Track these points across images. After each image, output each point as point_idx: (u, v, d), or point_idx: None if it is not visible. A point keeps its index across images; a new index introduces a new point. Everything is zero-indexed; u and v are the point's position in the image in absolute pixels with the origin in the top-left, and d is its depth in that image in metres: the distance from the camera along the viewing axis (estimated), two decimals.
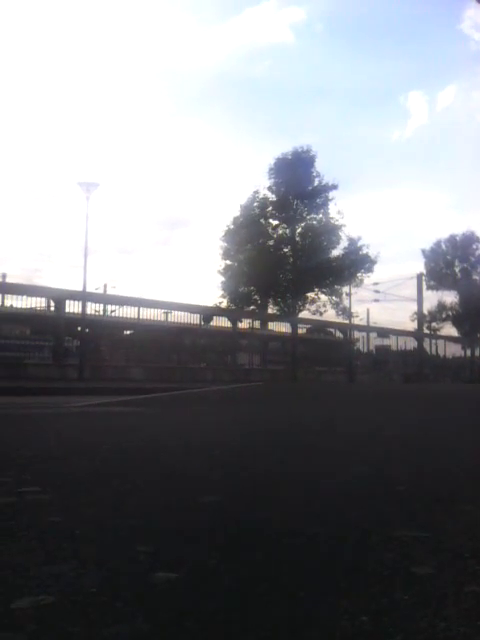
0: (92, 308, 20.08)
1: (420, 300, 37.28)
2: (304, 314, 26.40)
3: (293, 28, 55.76)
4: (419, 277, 36.61)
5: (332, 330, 31.18)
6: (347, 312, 27.46)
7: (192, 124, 60.31)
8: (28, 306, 18.68)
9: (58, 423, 4.11)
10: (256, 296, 25.30)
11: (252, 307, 25.56)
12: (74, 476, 1.89)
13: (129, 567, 1.03)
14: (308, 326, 29.67)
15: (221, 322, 25.66)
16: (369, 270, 26.54)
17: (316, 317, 27.13)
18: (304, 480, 1.90)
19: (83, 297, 17.34)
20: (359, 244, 26.11)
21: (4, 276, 24.42)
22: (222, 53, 56.08)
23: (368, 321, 32.18)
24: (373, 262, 26.16)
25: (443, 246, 39.35)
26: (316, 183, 25.92)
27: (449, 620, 0.81)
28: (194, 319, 24.83)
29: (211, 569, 1.03)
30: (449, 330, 39.31)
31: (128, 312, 22.29)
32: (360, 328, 31.78)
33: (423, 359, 35.35)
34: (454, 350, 38.31)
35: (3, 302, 19.75)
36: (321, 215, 26.29)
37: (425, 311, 38.34)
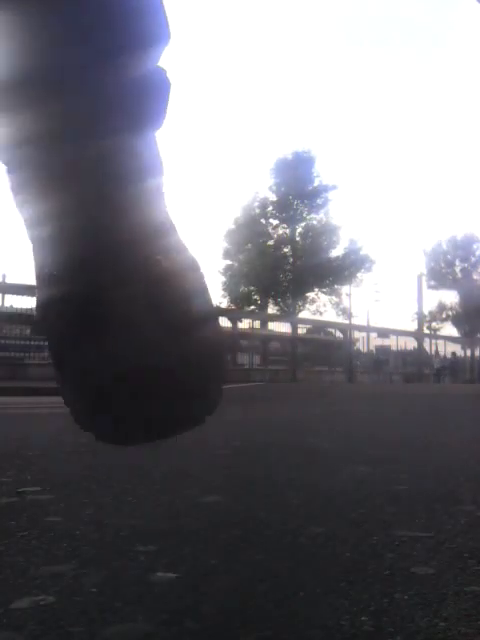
0: None
1: (420, 300, 37.30)
2: (304, 314, 26.37)
3: None
4: (419, 277, 36.62)
5: (332, 330, 31.18)
6: (347, 312, 27.46)
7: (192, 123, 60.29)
8: (28, 306, 18.67)
9: (58, 423, 4.11)
10: (256, 296, 25.31)
11: (252, 307, 25.54)
12: (74, 476, 1.89)
13: (129, 567, 1.03)
14: (308, 326, 29.67)
15: (221, 322, 25.66)
16: (369, 270, 26.54)
17: (316, 317, 27.14)
18: (304, 480, 1.90)
19: None
20: (359, 244, 26.10)
21: (4, 276, 24.40)
22: None
23: (368, 321, 32.18)
24: (373, 262, 26.16)
25: (444, 246, 39.35)
26: (316, 183, 25.90)
27: (449, 620, 0.81)
28: None
29: (211, 569, 1.03)
30: (449, 330, 39.31)
31: None
32: (360, 328, 31.79)
33: (423, 359, 35.33)
34: (454, 350, 38.33)
35: (3, 302, 19.75)
36: (321, 215, 26.26)
37: (425, 311, 38.35)
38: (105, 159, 0.66)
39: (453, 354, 33.98)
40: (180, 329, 0.67)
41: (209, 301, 0.75)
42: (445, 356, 34.12)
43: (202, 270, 0.75)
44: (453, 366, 32.60)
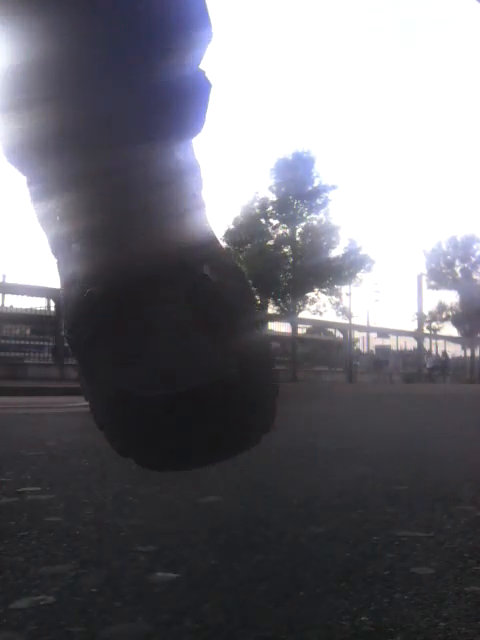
0: None
1: (420, 300, 37.30)
2: (304, 314, 26.36)
3: None
4: (419, 277, 36.63)
5: (332, 330, 31.16)
6: (347, 312, 27.46)
7: None
8: (28, 306, 18.65)
9: (58, 423, 4.11)
10: (256, 296, 25.30)
11: None
12: (74, 476, 1.89)
13: (129, 567, 1.03)
14: (308, 326, 29.65)
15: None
16: (369, 270, 26.53)
17: (316, 317, 27.14)
18: (304, 480, 1.90)
19: None
20: (359, 244, 26.09)
21: (4, 276, 24.43)
22: None
23: (368, 321, 32.18)
24: (373, 262, 26.16)
25: (444, 246, 39.37)
26: (316, 183, 25.88)
27: (449, 620, 0.81)
28: None
29: (211, 569, 1.03)
30: (449, 330, 39.30)
31: None
32: (360, 328, 31.78)
33: (423, 360, 35.28)
34: (454, 350, 38.30)
35: (3, 302, 19.75)
36: (321, 215, 26.24)
37: (425, 311, 38.35)
38: (143, 164, 0.63)
39: (444, 353, 33.91)
40: (229, 333, 0.64)
41: (255, 307, 0.73)
42: (444, 357, 34.07)
43: (245, 275, 0.73)
44: (445, 365, 32.52)
